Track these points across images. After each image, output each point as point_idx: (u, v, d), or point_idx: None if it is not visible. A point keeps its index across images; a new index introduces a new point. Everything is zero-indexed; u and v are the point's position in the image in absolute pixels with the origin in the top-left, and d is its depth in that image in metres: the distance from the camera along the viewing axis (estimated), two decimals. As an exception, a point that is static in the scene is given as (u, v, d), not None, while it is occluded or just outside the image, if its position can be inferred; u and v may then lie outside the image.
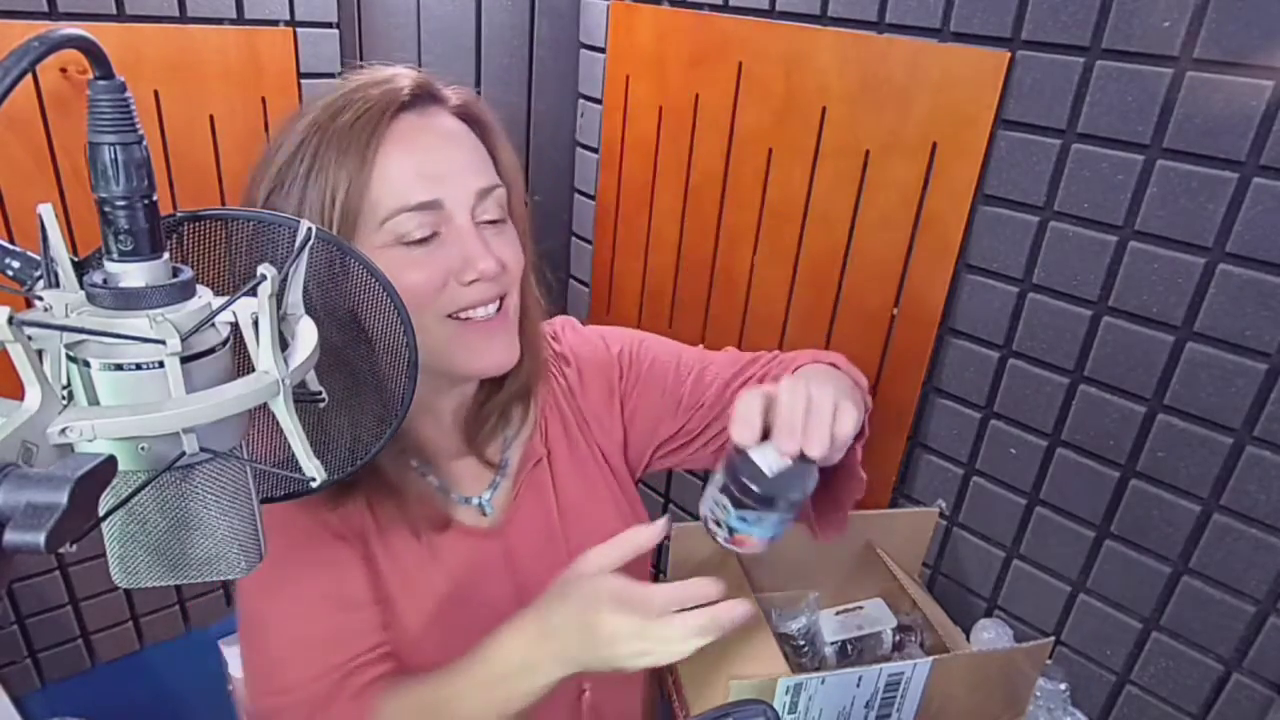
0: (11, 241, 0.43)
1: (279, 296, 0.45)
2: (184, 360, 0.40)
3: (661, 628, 0.58)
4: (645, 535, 0.63)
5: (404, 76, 0.65)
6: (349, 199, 0.61)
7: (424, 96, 0.65)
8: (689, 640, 0.59)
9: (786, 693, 0.73)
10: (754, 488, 0.57)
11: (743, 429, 0.59)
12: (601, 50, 1.25)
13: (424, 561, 0.70)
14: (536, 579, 0.72)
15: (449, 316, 0.65)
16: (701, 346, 0.93)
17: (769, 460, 0.58)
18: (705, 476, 1.25)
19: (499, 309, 0.67)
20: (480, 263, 0.63)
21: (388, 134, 0.62)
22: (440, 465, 0.74)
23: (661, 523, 0.63)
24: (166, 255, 0.43)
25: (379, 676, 0.66)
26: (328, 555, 0.67)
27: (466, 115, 0.68)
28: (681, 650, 0.59)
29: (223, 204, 1.08)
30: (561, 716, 0.78)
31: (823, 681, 0.74)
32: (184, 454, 0.41)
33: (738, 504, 0.59)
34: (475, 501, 0.75)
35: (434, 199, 0.63)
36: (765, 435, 0.59)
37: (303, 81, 1.09)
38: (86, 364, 0.39)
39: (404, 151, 0.62)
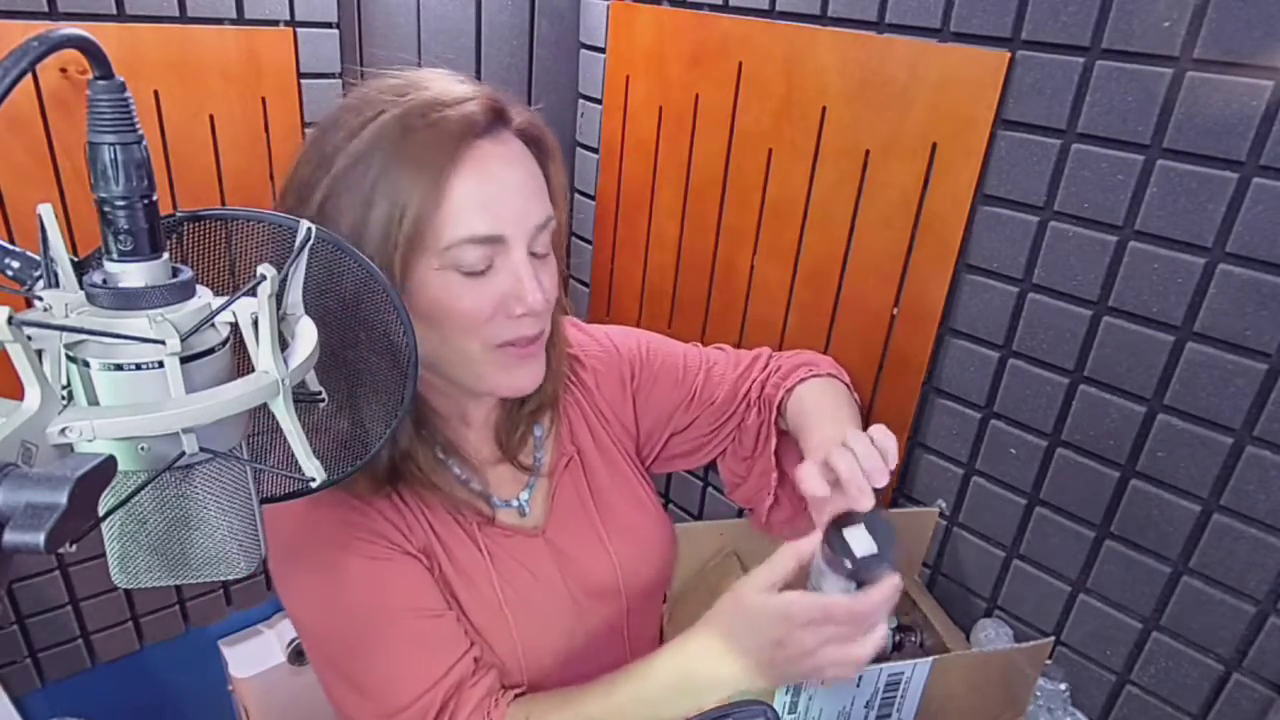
0: (11, 241, 0.43)
1: (279, 296, 0.45)
2: (184, 360, 0.40)
3: (863, 639, 0.61)
4: (805, 547, 0.64)
5: (478, 97, 0.64)
6: (418, 220, 0.60)
7: (496, 120, 0.65)
8: (848, 668, 0.61)
9: (786, 693, 0.73)
10: (871, 566, 0.59)
11: (826, 509, 0.64)
12: (601, 50, 1.25)
13: (482, 564, 0.73)
14: (582, 571, 0.79)
15: (493, 346, 0.67)
16: (696, 343, 0.94)
17: (862, 539, 0.61)
18: (705, 476, 1.25)
19: (534, 339, 0.70)
20: (529, 298, 0.65)
21: (461, 159, 0.62)
22: (479, 472, 0.77)
23: (817, 533, 0.64)
24: (166, 255, 0.43)
25: (492, 688, 0.69)
26: (399, 571, 0.69)
27: (529, 137, 0.68)
28: (870, 653, 0.61)
29: (223, 204, 1.08)
30: (611, 652, 0.83)
31: (822, 682, 0.74)
32: (184, 454, 0.41)
33: (862, 584, 0.60)
34: (514, 504, 0.78)
35: (498, 234, 0.63)
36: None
37: (303, 81, 1.09)
38: (86, 364, 0.39)
39: (474, 180, 0.62)
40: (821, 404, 0.84)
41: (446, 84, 0.65)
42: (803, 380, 0.87)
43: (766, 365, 0.92)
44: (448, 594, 0.72)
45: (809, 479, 0.64)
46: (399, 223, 0.60)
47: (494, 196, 0.63)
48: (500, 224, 0.63)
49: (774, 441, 0.86)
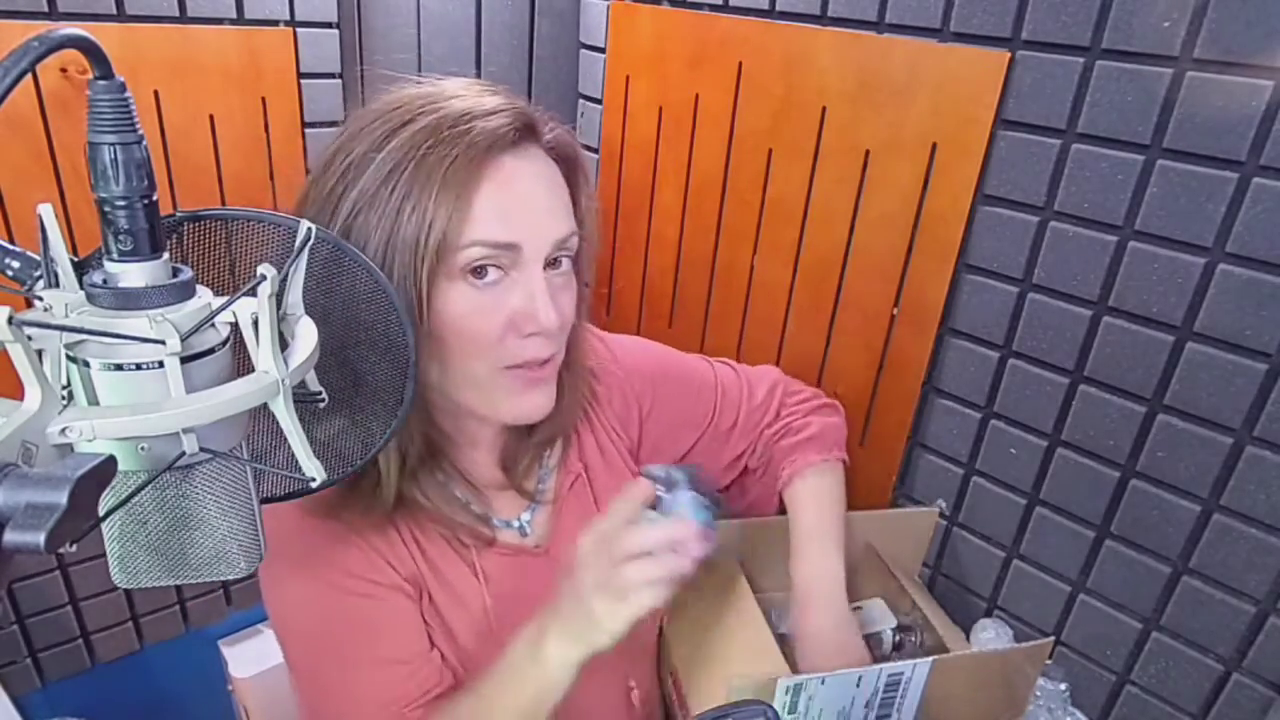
0: (11, 241, 0.43)
1: (279, 296, 0.45)
2: (184, 360, 0.40)
3: (625, 571, 0.60)
4: (635, 491, 0.64)
5: (506, 110, 0.62)
6: (446, 236, 0.59)
7: (526, 135, 0.63)
8: (653, 587, 0.60)
9: (786, 693, 0.73)
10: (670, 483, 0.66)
11: None
12: (601, 50, 1.25)
13: (475, 586, 0.72)
14: None
15: (502, 368, 0.65)
16: (705, 358, 0.94)
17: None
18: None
19: (546, 362, 0.67)
20: (542, 316, 0.62)
21: (485, 174, 0.60)
22: (481, 494, 0.75)
23: (645, 481, 0.66)
24: (166, 255, 0.43)
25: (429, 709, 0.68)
26: (381, 613, 0.68)
27: (559, 154, 0.66)
28: (647, 599, 0.60)
29: (223, 204, 1.08)
30: (617, 715, 0.83)
31: (823, 682, 0.74)
32: (184, 454, 0.41)
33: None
34: (515, 524, 0.77)
35: (514, 241, 0.61)
36: None
37: (303, 81, 1.09)
38: (86, 364, 0.39)
39: (495, 191, 0.61)
40: (820, 516, 0.89)
41: (477, 96, 0.63)
42: (804, 466, 0.90)
43: (779, 414, 0.94)
44: (435, 619, 0.70)
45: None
46: (426, 240, 0.58)
47: (512, 207, 0.61)
48: (515, 232, 0.61)
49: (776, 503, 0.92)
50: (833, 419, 0.96)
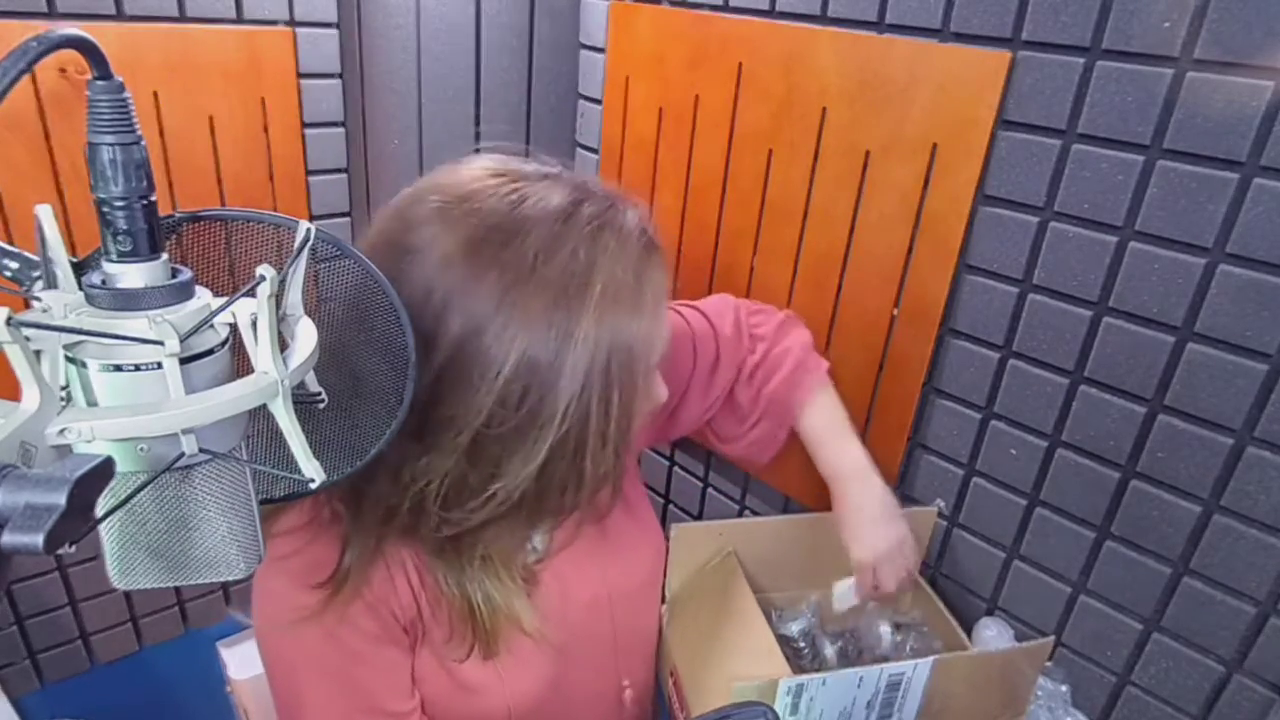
0: (10, 242, 0.43)
1: (278, 297, 0.45)
2: (183, 361, 0.40)
3: None
4: None
5: (633, 213, 0.62)
6: (653, 352, 0.61)
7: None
8: None
9: (788, 694, 0.73)
10: None
11: None
12: (601, 50, 1.25)
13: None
14: (574, 591, 0.77)
15: None
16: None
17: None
18: (705, 477, 1.25)
19: None
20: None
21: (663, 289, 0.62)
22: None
23: None
24: (165, 256, 0.43)
25: None
26: (367, 671, 0.66)
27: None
28: None
29: (222, 204, 1.08)
30: (608, 712, 0.83)
31: (824, 683, 0.74)
32: (183, 455, 0.41)
33: None
34: (532, 550, 0.76)
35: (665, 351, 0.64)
36: None
37: (302, 82, 1.09)
38: (85, 365, 0.39)
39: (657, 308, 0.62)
40: (831, 421, 0.93)
41: (620, 197, 0.62)
42: (805, 399, 0.92)
43: (753, 341, 0.95)
44: (433, 656, 0.69)
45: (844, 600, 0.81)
46: (645, 360, 0.60)
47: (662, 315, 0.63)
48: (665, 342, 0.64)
49: (781, 441, 0.93)
50: (801, 333, 0.97)
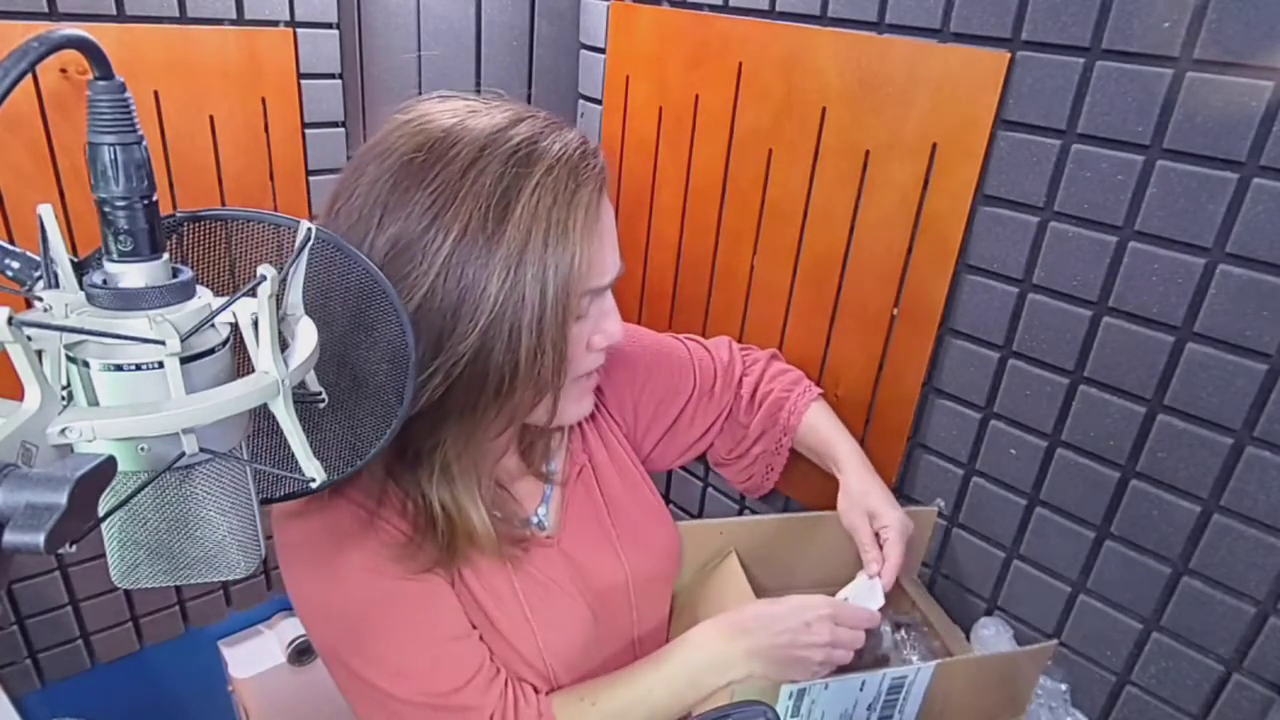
0: (11, 242, 0.43)
1: (279, 297, 0.45)
2: (184, 361, 0.40)
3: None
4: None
5: (587, 143, 0.64)
6: (586, 279, 0.61)
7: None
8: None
9: (789, 698, 0.73)
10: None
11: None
12: (601, 51, 1.25)
13: (508, 577, 0.74)
14: (594, 577, 0.80)
15: (574, 379, 0.69)
16: (670, 334, 1.00)
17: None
18: (705, 476, 1.25)
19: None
20: (616, 330, 0.68)
21: (602, 214, 0.63)
22: (505, 489, 0.78)
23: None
24: (166, 256, 0.43)
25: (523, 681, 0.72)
26: (417, 591, 0.69)
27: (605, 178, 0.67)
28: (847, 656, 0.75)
29: (223, 204, 1.08)
30: (621, 653, 0.85)
31: (826, 686, 0.74)
32: (184, 454, 0.41)
33: None
34: (534, 520, 0.79)
35: (617, 276, 0.66)
36: None
37: (303, 82, 1.09)
38: (86, 364, 0.39)
39: (607, 230, 0.64)
40: (833, 425, 0.97)
41: (555, 127, 0.63)
42: (806, 403, 0.97)
43: (746, 368, 1.00)
44: (473, 608, 0.72)
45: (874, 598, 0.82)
46: (567, 287, 0.60)
47: (609, 246, 0.65)
48: (612, 272, 0.65)
49: (784, 457, 0.96)
50: (788, 367, 1.04)
